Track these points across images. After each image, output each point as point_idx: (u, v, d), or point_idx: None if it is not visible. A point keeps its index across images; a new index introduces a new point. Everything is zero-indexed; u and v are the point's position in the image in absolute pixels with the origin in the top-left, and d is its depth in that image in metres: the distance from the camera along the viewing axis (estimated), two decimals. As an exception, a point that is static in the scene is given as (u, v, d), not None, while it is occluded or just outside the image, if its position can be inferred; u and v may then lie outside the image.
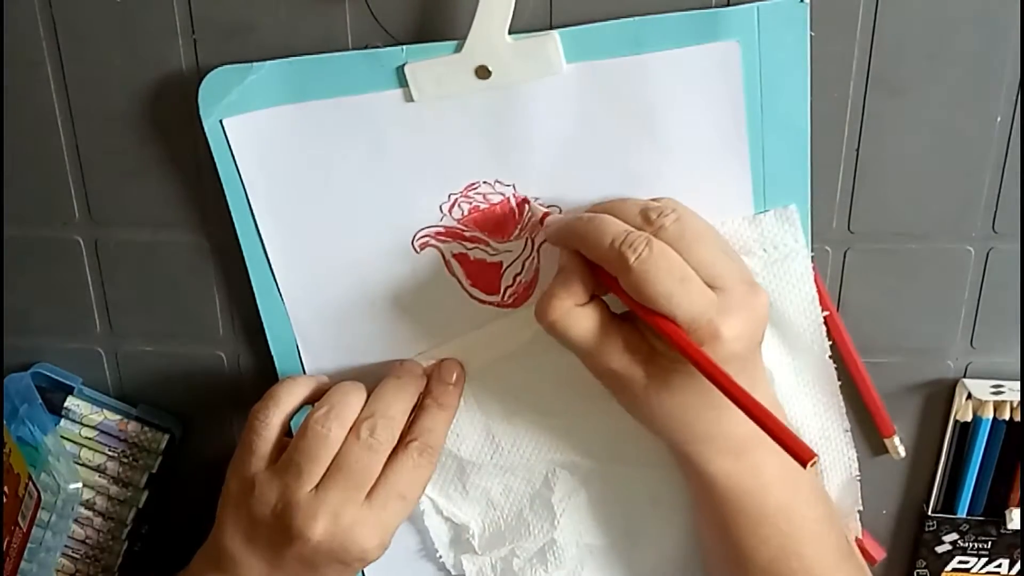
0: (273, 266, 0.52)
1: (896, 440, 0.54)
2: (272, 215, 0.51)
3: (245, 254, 0.52)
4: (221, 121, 0.49)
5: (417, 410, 0.51)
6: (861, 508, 0.55)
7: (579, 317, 0.44)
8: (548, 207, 0.49)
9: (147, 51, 0.49)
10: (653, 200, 0.45)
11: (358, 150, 0.49)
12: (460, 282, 0.52)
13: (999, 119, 0.47)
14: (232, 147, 0.49)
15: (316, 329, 0.53)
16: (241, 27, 0.48)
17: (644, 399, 0.45)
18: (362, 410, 0.49)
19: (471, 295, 0.52)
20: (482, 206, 0.50)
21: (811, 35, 0.45)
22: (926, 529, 0.56)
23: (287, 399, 0.50)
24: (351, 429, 0.48)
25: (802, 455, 0.39)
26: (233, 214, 0.51)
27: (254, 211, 0.51)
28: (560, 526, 0.56)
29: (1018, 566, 0.56)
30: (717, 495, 0.47)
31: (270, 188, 0.50)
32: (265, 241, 0.51)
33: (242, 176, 0.50)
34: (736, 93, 0.46)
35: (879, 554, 0.57)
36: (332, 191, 0.50)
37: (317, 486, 0.48)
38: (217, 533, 0.51)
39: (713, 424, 0.44)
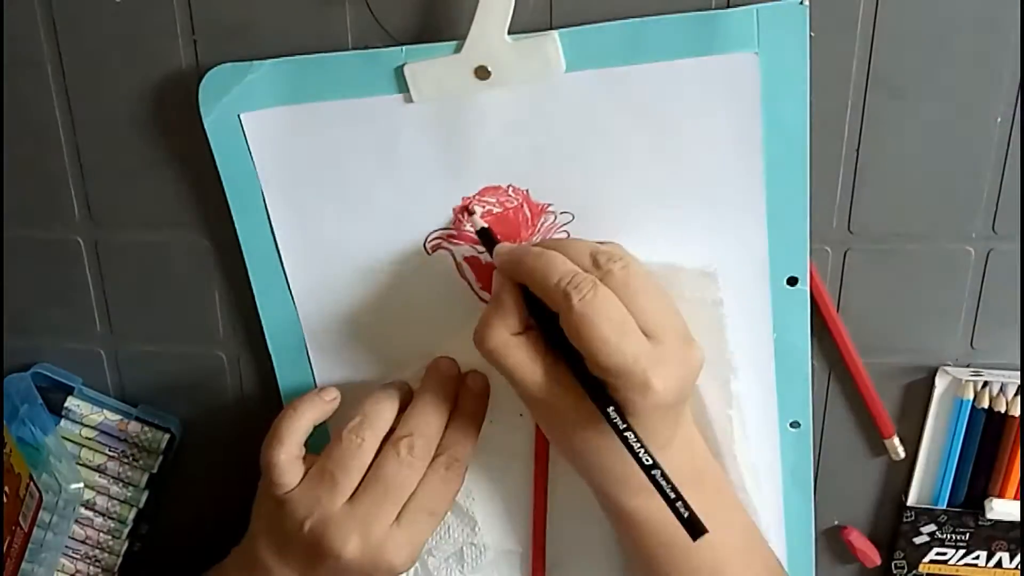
0: (285, 264, 0.52)
1: (896, 441, 0.54)
2: (286, 213, 0.51)
3: (245, 254, 0.52)
4: (239, 116, 0.49)
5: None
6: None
7: (515, 347, 0.45)
8: (560, 213, 0.50)
9: (147, 51, 0.49)
10: (603, 244, 0.46)
11: (370, 152, 0.49)
12: (471, 284, 0.52)
13: (999, 119, 0.47)
14: (249, 142, 0.49)
15: (326, 329, 0.53)
16: (241, 27, 0.48)
17: (569, 434, 0.46)
18: (397, 421, 0.50)
19: (481, 298, 0.52)
20: (496, 210, 0.50)
21: (811, 36, 0.45)
22: (904, 520, 0.56)
23: (290, 437, 0.50)
24: (389, 444, 0.49)
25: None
26: (234, 214, 0.51)
27: (268, 208, 0.51)
28: (480, 531, 0.56)
29: (1006, 558, 0.56)
30: (639, 530, 0.48)
31: (284, 186, 0.50)
32: (278, 239, 0.51)
33: (258, 172, 0.50)
34: (754, 104, 0.46)
35: (876, 557, 0.57)
36: (344, 192, 0.50)
37: (350, 498, 0.48)
38: (250, 541, 0.51)
39: (631, 468, 0.44)
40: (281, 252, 0.52)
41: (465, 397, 0.52)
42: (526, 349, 0.45)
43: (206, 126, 0.49)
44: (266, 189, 0.50)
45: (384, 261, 0.52)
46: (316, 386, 0.55)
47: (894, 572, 0.57)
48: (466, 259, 0.51)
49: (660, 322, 0.43)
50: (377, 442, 0.49)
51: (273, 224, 0.51)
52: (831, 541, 0.58)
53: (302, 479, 0.49)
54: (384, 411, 0.50)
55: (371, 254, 0.51)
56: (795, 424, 0.54)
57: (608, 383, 0.43)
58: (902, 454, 0.54)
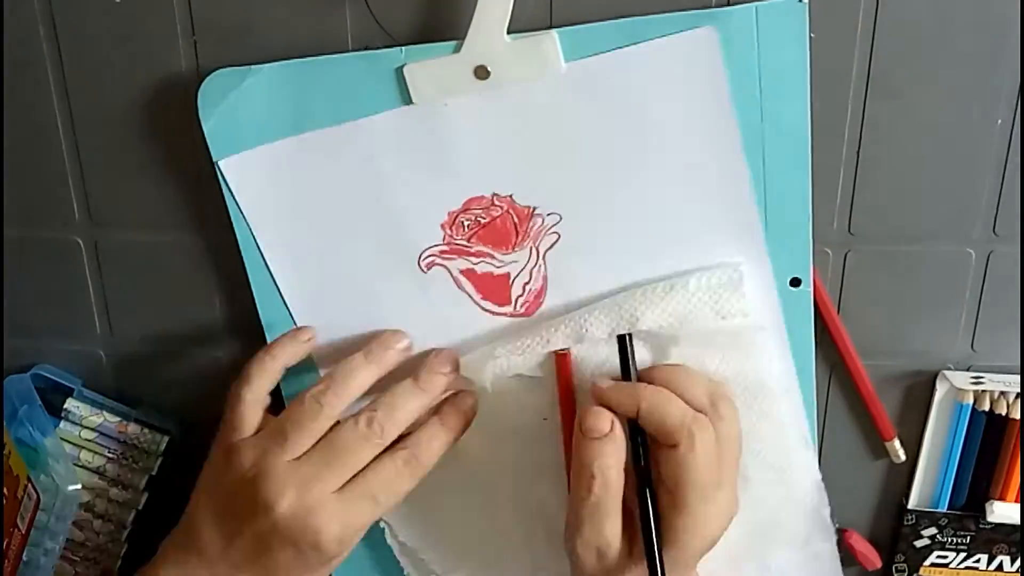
0: (285, 296, 0.52)
1: (896, 443, 0.54)
2: (278, 248, 0.51)
3: (244, 256, 0.52)
4: (217, 163, 0.49)
5: (422, 423, 0.50)
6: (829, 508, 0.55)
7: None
8: (548, 215, 0.49)
9: (147, 52, 0.50)
10: (713, 382, 0.48)
11: (357, 176, 0.49)
12: (471, 296, 0.52)
13: (999, 121, 0.47)
14: (231, 187, 0.50)
15: (334, 356, 0.52)
16: (241, 29, 0.48)
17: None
18: (367, 396, 0.49)
19: (483, 308, 0.52)
20: (483, 220, 0.50)
21: (811, 36, 0.45)
22: (905, 523, 0.56)
23: (259, 378, 0.50)
24: (351, 415, 0.48)
25: None
26: (232, 217, 0.51)
27: (261, 247, 0.51)
28: (516, 550, 0.55)
29: (1007, 562, 0.56)
30: None
31: (273, 221, 0.51)
32: (274, 272, 0.52)
33: (244, 215, 0.51)
34: (719, 81, 0.46)
35: (877, 560, 0.57)
36: (334, 219, 0.50)
37: (297, 458, 0.47)
38: (190, 504, 0.50)
39: None
40: (278, 283, 0.52)
41: (448, 411, 0.50)
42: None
43: (205, 131, 0.49)
44: (254, 227, 0.51)
45: (381, 284, 0.51)
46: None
47: (895, 575, 0.57)
48: (462, 272, 0.51)
49: (730, 476, 0.47)
50: (337, 412, 0.48)
51: (267, 260, 0.52)
52: (832, 544, 0.58)
53: (256, 432, 0.49)
54: (352, 382, 0.49)
55: (367, 278, 0.51)
56: (795, 426, 0.53)
57: (665, 502, 0.46)
58: (903, 457, 0.54)
